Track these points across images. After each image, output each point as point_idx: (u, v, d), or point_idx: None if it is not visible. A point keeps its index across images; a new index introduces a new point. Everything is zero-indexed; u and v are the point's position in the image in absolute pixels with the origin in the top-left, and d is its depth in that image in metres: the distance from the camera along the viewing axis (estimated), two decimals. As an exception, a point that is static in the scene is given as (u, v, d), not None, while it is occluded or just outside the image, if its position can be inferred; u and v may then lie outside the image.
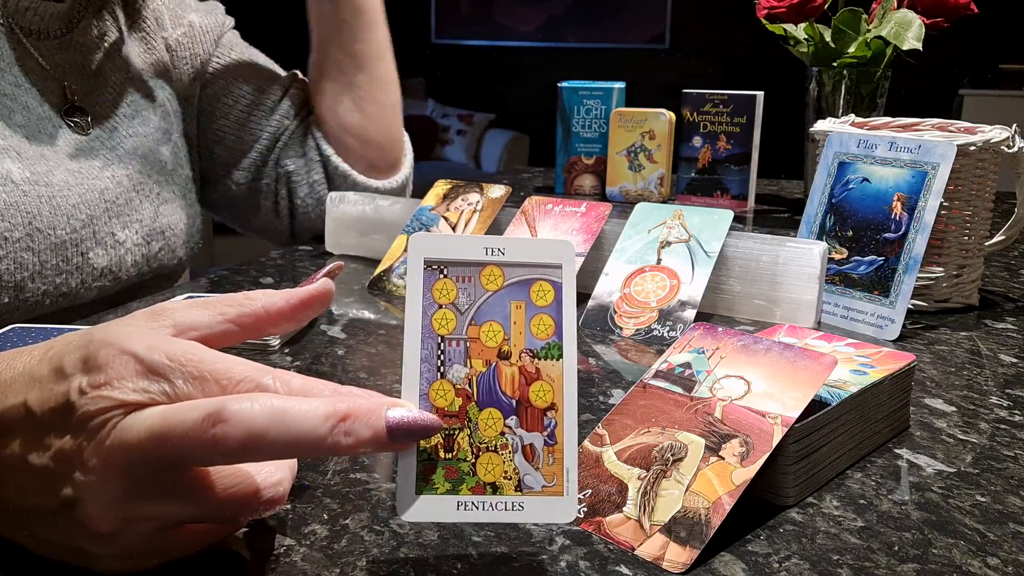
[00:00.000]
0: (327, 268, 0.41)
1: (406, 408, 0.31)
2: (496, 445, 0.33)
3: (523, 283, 0.34)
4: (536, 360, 0.33)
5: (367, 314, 0.69)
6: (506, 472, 0.32)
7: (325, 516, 0.38)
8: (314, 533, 0.37)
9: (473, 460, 0.32)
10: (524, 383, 0.33)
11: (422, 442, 0.32)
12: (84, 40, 0.76)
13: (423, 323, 0.33)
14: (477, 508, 0.32)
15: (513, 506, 0.32)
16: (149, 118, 0.81)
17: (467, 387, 0.33)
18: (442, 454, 0.32)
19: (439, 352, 0.33)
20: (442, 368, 0.33)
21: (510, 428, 0.33)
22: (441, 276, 0.34)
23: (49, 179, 0.68)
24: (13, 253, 0.65)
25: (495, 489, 0.32)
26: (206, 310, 0.35)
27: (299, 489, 0.41)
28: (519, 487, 0.32)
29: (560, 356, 0.33)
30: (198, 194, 0.90)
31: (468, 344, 0.33)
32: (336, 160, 0.91)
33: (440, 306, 0.33)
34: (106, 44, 0.78)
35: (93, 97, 0.76)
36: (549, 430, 0.33)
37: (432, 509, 0.32)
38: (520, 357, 0.33)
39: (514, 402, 0.33)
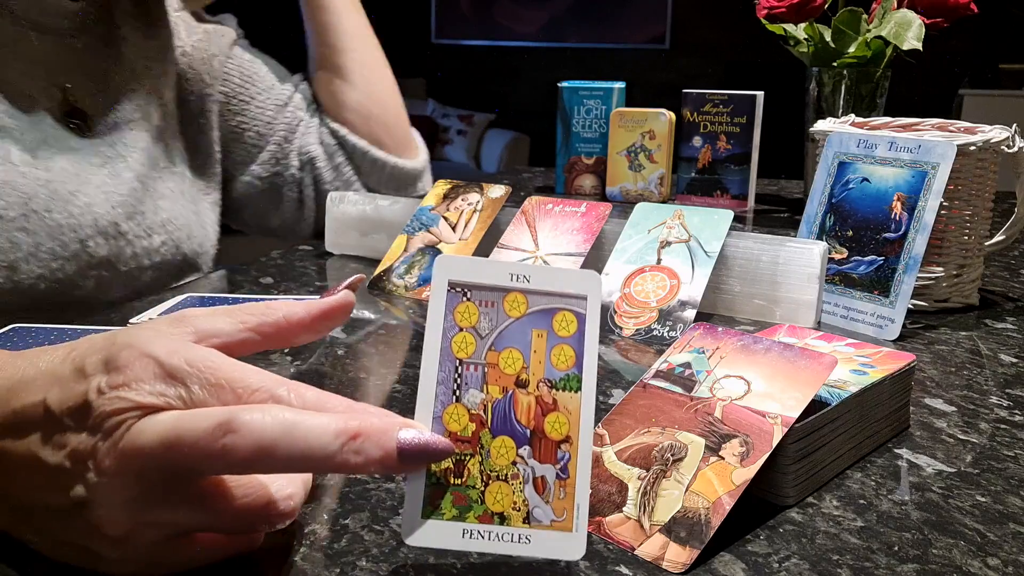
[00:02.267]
0: (349, 281, 0.41)
1: (418, 430, 0.31)
2: (507, 474, 0.32)
3: (546, 312, 0.33)
4: (554, 391, 0.33)
5: (367, 314, 0.69)
6: (515, 503, 0.32)
7: (325, 516, 0.38)
8: (314, 533, 0.37)
9: (482, 488, 0.32)
10: (540, 413, 0.33)
11: (432, 466, 0.32)
12: (91, 41, 0.76)
13: (442, 345, 0.33)
14: (483, 537, 0.32)
15: (520, 538, 0.32)
16: (152, 117, 0.81)
17: (482, 413, 0.32)
18: (451, 479, 0.32)
19: (456, 376, 0.33)
20: (458, 392, 0.32)
21: (522, 458, 0.32)
22: (464, 299, 0.33)
23: (49, 165, 0.68)
24: (7, 232, 0.65)
25: (503, 519, 0.32)
26: (228, 318, 0.36)
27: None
28: (527, 519, 0.32)
29: (579, 389, 0.33)
30: (205, 194, 0.90)
31: (486, 369, 0.33)
32: (346, 133, 0.96)
33: (461, 329, 0.33)
34: (114, 49, 0.78)
35: (95, 98, 0.76)
36: (562, 463, 0.32)
37: (437, 535, 0.31)
38: (538, 386, 0.33)
39: (528, 432, 0.32)
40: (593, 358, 0.33)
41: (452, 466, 0.32)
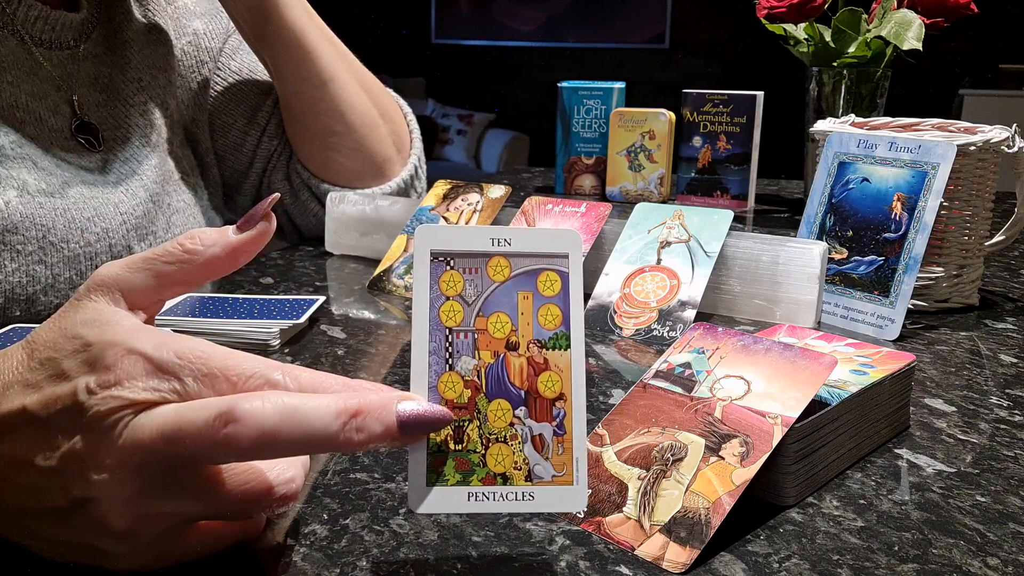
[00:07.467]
0: (264, 208, 0.38)
1: (416, 401, 0.31)
2: (506, 436, 0.33)
3: (530, 273, 0.34)
4: (544, 350, 0.33)
5: (367, 314, 0.69)
6: (516, 463, 0.32)
7: (325, 516, 0.38)
8: (314, 533, 0.37)
9: (483, 451, 0.32)
10: (532, 374, 0.33)
11: (432, 435, 0.32)
12: (96, 51, 0.76)
13: (431, 315, 0.33)
14: (488, 499, 0.32)
15: (523, 496, 0.32)
16: (160, 129, 0.80)
17: (476, 379, 0.33)
18: (452, 446, 0.32)
19: (447, 344, 0.33)
20: (450, 360, 0.33)
21: (519, 419, 0.33)
22: (448, 268, 0.34)
23: (64, 191, 0.68)
24: (26, 266, 0.65)
25: (505, 480, 0.32)
26: (147, 273, 0.35)
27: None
28: (529, 477, 0.32)
29: (568, 346, 0.34)
30: (212, 200, 0.88)
31: (476, 336, 0.33)
32: (308, 177, 0.90)
33: (447, 298, 0.33)
34: (119, 54, 0.78)
35: (104, 110, 0.75)
36: (558, 420, 0.33)
37: (443, 501, 0.32)
38: (528, 348, 0.33)
39: (523, 393, 0.33)
40: (579, 315, 0.34)
41: (452, 433, 0.32)
